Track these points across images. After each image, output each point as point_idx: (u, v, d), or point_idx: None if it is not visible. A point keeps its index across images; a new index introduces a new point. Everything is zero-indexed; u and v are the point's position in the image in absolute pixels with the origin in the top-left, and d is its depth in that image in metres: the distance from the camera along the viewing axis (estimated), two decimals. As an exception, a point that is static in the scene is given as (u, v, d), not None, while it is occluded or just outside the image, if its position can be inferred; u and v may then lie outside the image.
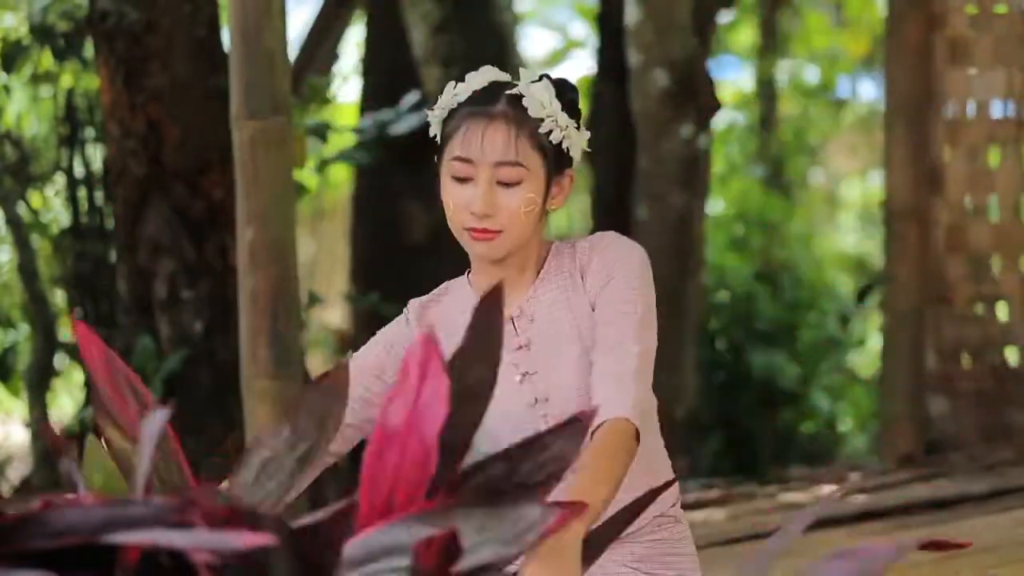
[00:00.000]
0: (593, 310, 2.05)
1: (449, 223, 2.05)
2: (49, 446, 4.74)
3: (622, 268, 2.04)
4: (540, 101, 2.02)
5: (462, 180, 2.01)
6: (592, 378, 1.97)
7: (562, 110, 2.04)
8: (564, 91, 2.06)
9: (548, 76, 2.07)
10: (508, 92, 2.03)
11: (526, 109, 2.01)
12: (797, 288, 7.21)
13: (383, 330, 2.15)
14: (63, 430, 4.70)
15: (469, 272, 2.16)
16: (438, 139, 2.07)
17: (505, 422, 2.02)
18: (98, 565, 0.86)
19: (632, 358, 1.96)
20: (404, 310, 2.15)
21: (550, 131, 2.03)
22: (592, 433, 1.87)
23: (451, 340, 2.05)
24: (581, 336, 2.05)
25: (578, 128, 2.08)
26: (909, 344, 5.22)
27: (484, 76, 2.06)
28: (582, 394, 2.02)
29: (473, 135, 2.00)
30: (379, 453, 1.12)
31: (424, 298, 2.16)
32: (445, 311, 2.12)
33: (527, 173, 2.01)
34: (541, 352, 2.07)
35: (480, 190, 2.00)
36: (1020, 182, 5.27)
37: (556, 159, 2.05)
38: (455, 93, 2.05)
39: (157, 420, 0.98)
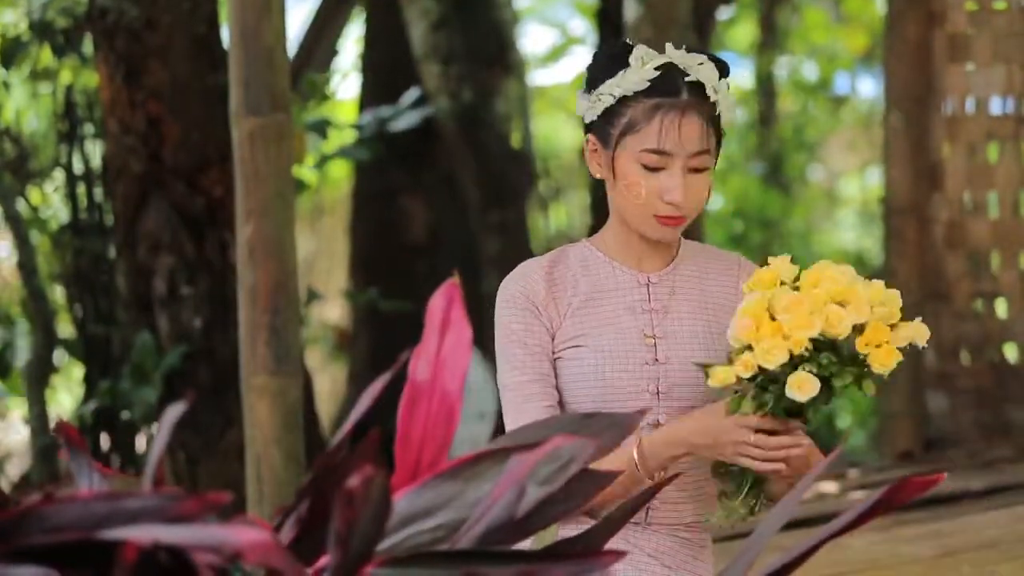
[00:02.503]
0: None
1: (634, 209, 2.08)
2: (56, 442, 4.74)
3: None
4: (713, 85, 2.06)
5: (653, 169, 2.04)
6: None
7: (727, 89, 2.09)
8: (724, 69, 2.09)
9: (708, 54, 2.09)
10: (687, 80, 2.04)
11: (706, 95, 2.05)
12: (796, 285, 7.19)
13: (509, 309, 2.08)
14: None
15: (587, 239, 2.18)
16: (604, 122, 2.06)
17: (622, 375, 2.08)
18: (99, 560, 0.86)
19: None
20: (522, 270, 2.11)
21: (719, 112, 2.08)
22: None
23: (574, 297, 2.10)
24: (715, 344, 2.09)
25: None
26: (908, 341, 5.22)
27: (654, 59, 2.05)
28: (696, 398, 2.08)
29: (669, 128, 2.02)
30: (409, 411, 1.09)
31: (545, 257, 2.14)
32: (570, 269, 2.13)
33: (710, 157, 2.07)
34: (671, 327, 2.11)
35: (676, 180, 2.04)
36: (1019, 178, 5.27)
37: (719, 135, 2.10)
38: (627, 78, 2.04)
39: (173, 412, 0.97)
